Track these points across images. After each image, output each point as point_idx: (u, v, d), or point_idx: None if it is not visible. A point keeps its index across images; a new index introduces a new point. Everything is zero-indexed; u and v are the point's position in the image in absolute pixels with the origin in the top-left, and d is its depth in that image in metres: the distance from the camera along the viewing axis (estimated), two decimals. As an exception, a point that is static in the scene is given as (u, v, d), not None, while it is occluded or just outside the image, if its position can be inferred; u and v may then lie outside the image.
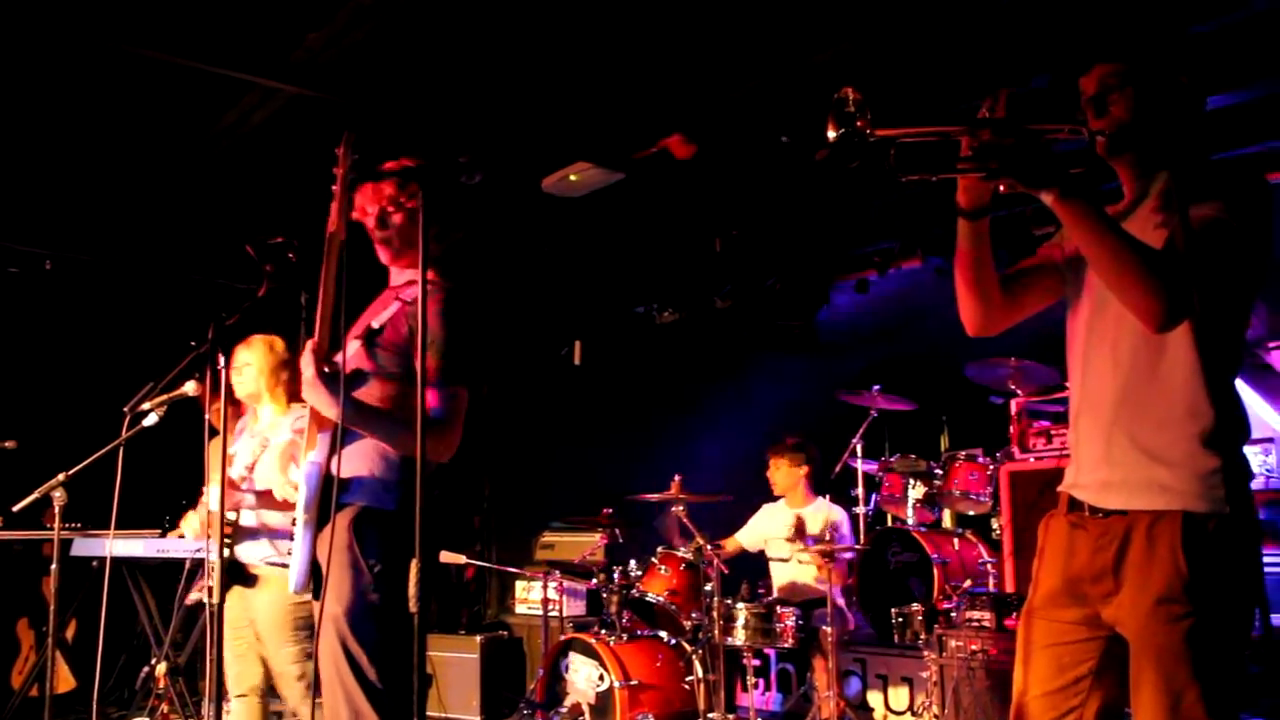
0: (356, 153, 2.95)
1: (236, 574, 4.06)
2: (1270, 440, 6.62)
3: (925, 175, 2.19)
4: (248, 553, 4.09)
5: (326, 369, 2.82)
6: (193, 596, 4.12)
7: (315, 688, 2.85)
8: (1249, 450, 6.51)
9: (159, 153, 5.61)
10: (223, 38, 4.26)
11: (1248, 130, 5.02)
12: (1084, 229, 2.12)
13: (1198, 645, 2.10)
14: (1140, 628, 2.16)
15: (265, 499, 3.91)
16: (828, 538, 5.55)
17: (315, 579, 2.88)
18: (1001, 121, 2.14)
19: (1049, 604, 2.33)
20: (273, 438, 4.15)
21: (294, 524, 2.90)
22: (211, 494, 4.08)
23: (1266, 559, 6.28)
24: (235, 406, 4.24)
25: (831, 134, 2.11)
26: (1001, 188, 2.21)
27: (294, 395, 4.25)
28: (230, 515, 4.06)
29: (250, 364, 4.21)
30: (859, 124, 2.10)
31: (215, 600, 3.12)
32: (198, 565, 4.06)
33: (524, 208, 6.43)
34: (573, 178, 5.74)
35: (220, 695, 3.24)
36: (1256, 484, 6.46)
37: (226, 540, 4.04)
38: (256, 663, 4.10)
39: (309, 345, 2.80)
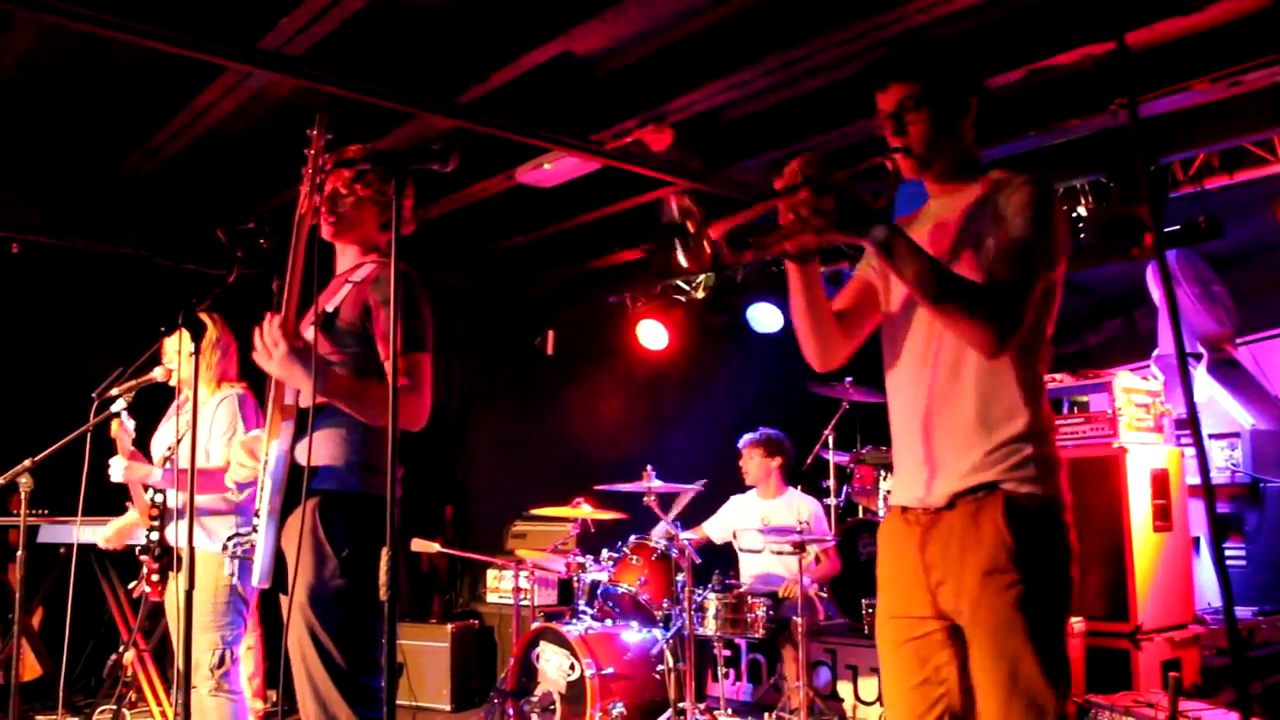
0: (328, 134, 2.94)
1: (168, 558, 3.99)
2: (1236, 435, 6.69)
3: (758, 255, 2.41)
4: (176, 535, 4.01)
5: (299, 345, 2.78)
6: (135, 588, 4.05)
7: (285, 684, 2.82)
8: (1213, 445, 6.62)
9: (128, 135, 5.55)
10: (196, 20, 4.20)
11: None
12: (908, 268, 2.22)
13: (1029, 611, 2.18)
14: (972, 603, 2.25)
15: (202, 476, 3.78)
16: (800, 528, 5.55)
17: (279, 571, 2.85)
18: (814, 179, 2.24)
19: (894, 604, 2.44)
20: (203, 416, 4.04)
21: (255, 514, 2.87)
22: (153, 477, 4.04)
23: (1229, 551, 6.35)
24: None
25: (682, 258, 2.29)
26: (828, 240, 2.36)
27: (223, 376, 4.21)
28: (157, 497, 4.01)
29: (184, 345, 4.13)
30: (703, 237, 2.27)
31: (184, 588, 3.07)
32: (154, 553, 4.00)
33: (498, 195, 6.39)
34: (546, 166, 5.71)
35: (189, 683, 3.20)
36: (1220, 479, 6.54)
37: (155, 524, 4.00)
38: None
39: (275, 323, 2.76)
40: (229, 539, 2.98)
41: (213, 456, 4.01)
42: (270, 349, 2.77)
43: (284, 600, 2.86)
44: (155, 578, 4.00)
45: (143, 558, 4.01)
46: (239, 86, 4.76)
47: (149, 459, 4.13)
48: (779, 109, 5.40)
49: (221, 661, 3.90)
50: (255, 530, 2.86)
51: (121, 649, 5.66)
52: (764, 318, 7.71)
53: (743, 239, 2.34)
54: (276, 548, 2.84)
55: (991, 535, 2.22)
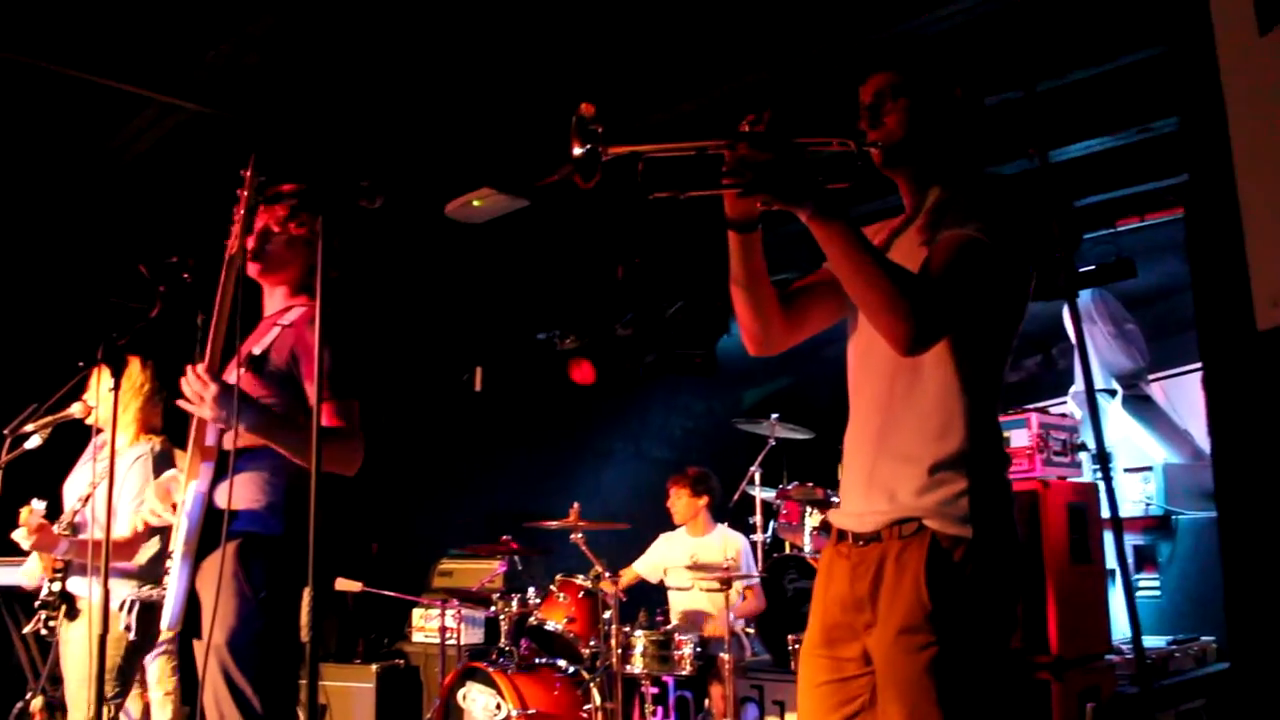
0: (262, 174, 2.91)
1: (67, 606, 3.91)
2: (1149, 469, 6.84)
3: (674, 193, 2.11)
4: (79, 586, 3.93)
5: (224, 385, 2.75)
6: (29, 628, 3.96)
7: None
8: (1129, 478, 6.78)
9: (49, 167, 5.45)
10: (119, 51, 4.16)
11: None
12: (836, 248, 2.05)
13: (941, 675, 2.02)
14: (884, 658, 2.10)
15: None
16: (727, 565, 5.57)
17: (190, 614, 2.79)
18: (759, 135, 2.04)
19: (820, 640, 2.25)
20: (118, 468, 3.94)
21: (168, 557, 2.82)
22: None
23: (1143, 583, 6.50)
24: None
25: (576, 150, 2.03)
26: (759, 204, 2.15)
27: (145, 425, 4.13)
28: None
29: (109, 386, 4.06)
30: (605, 146, 2.02)
31: (97, 632, 3.00)
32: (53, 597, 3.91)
33: (426, 233, 6.38)
34: (476, 203, 5.72)
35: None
36: (1134, 511, 6.69)
37: (58, 574, 3.92)
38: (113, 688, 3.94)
39: (200, 367, 2.72)
40: (128, 597, 2.93)
41: (120, 521, 3.91)
42: (201, 393, 2.72)
43: (197, 645, 2.80)
44: (52, 624, 3.91)
45: (44, 613, 3.92)
46: (164, 118, 4.72)
47: (61, 504, 4.04)
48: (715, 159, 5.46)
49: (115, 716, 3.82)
50: (166, 578, 2.80)
51: (29, 695, 5.49)
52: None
53: (667, 177, 2.11)
54: (190, 591, 2.79)
55: (910, 589, 2.06)
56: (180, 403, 2.78)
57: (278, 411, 2.85)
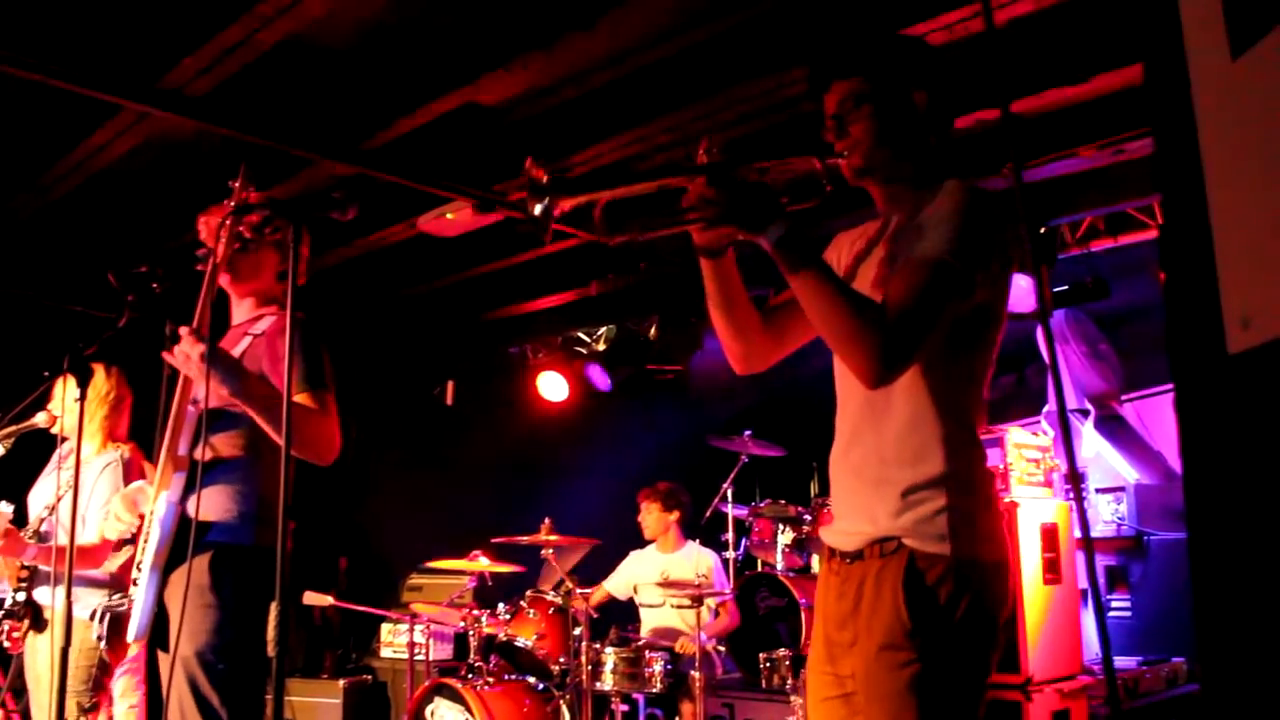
0: (250, 186, 2.92)
1: (34, 617, 3.87)
2: (1121, 489, 6.89)
3: (634, 235, 2.09)
4: (47, 596, 3.89)
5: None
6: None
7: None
8: (1100, 499, 6.82)
9: (15, 173, 5.41)
10: (88, 58, 4.13)
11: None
12: (796, 279, 2.02)
13: (923, 693, 2.01)
14: (865, 675, 2.10)
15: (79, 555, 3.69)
16: (698, 582, 5.56)
17: (158, 625, 2.77)
18: (715, 166, 2.04)
19: (823, 656, 2.25)
20: (84, 478, 3.90)
21: (136, 568, 2.79)
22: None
23: (1115, 604, 6.53)
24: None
25: (536, 210, 1.99)
26: (724, 234, 2.14)
27: (111, 434, 4.10)
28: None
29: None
30: (558, 198, 1.98)
31: (59, 645, 2.97)
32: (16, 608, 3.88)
33: (398, 245, 6.36)
34: (449, 216, 5.71)
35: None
36: (1105, 531, 6.73)
37: (22, 583, 3.88)
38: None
39: (186, 331, 2.71)
40: (100, 606, 2.90)
41: (89, 528, 3.88)
42: (188, 351, 2.71)
43: (163, 658, 2.78)
44: (16, 634, 3.87)
45: (7, 624, 3.88)
46: (134, 126, 4.68)
47: (26, 514, 4.00)
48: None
49: None
50: (132, 589, 2.78)
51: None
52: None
53: (626, 218, 2.08)
54: (158, 602, 2.77)
55: (889, 606, 2.05)
56: (166, 356, 2.77)
57: (259, 380, 2.83)
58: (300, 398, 2.80)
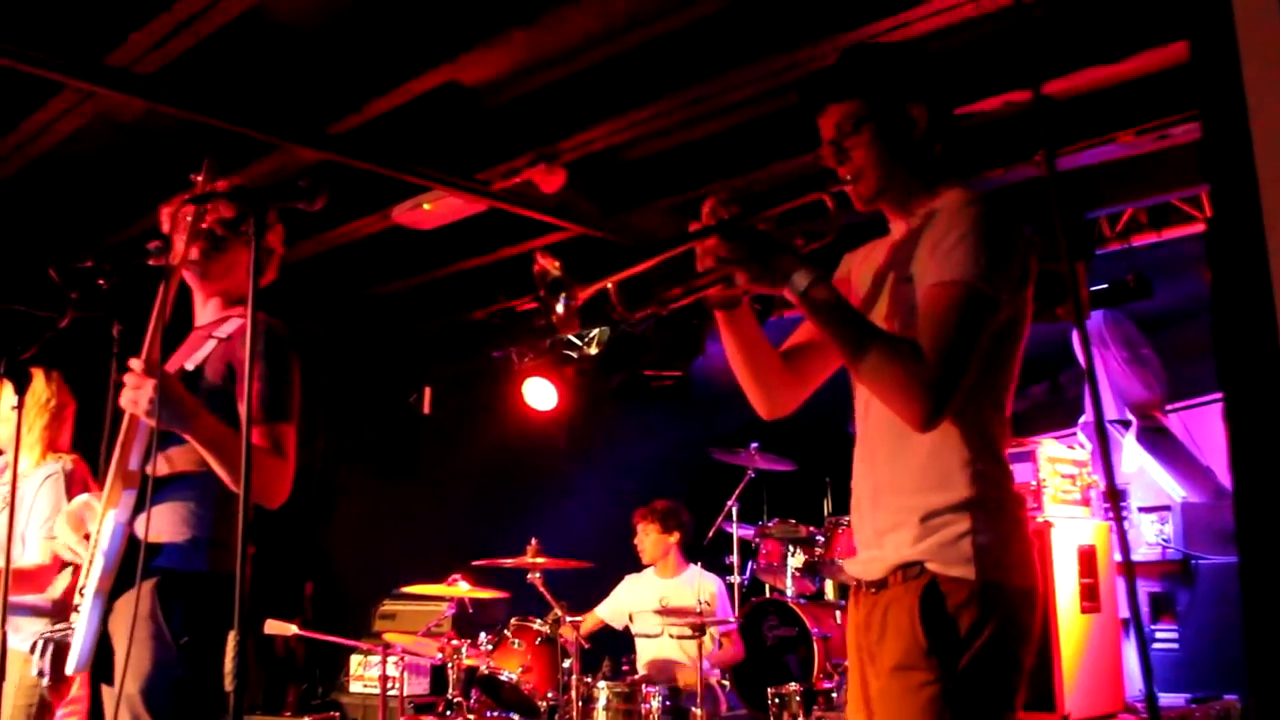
0: (216, 179, 2.91)
1: None
2: (1167, 508, 6.86)
3: (655, 310, 2.23)
4: None
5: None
6: None
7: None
8: (1143, 519, 6.81)
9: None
10: (27, 31, 4.12)
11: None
12: (829, 326, 2.16)
13: (940, 716, 2.07)
14: (880, 694, 2.19)
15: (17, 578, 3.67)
16: (700, 610, 5.56)
17: (101, 658, 2.75)
18: (725, 224, 2.17)
19: (857, 698, 2.34)
20: (22, 493, 3.89)
21: (79, 593, 2.78)
22: None
23: (1160, 635, 6.52)
24: None
25: (559, 309, 2.14)
26: (742, 289, 2.29)
27: (51, 444, 4.09)
28: None
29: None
30: (574, 290, 2.13)
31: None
32: None
33: (371, 237, 6.36)
34: (426, 207, 5.71)
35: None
36: (1150, 555, 6.71)
37: None
38: None
39: (138, 364, 2.69)
40: (40, 637, 2.88)
41: (29, 548, 3.87)
42: (134, 396, 2.68)
43: (107, 692, 2.76)
44: None
45: None
46: (79, 106, 4.68)
47: None
48: (684, 149, 5.48)
49: None
50: (74, 616, 2.76)
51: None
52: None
53: (645, 292, 2.21)
54: (101, 632, 2.75)
55: (905, 625, 2.13)
56: (120, 400, 2.74)
57: (212, 419, 2.81)
58: (254, 434, 2.74)
